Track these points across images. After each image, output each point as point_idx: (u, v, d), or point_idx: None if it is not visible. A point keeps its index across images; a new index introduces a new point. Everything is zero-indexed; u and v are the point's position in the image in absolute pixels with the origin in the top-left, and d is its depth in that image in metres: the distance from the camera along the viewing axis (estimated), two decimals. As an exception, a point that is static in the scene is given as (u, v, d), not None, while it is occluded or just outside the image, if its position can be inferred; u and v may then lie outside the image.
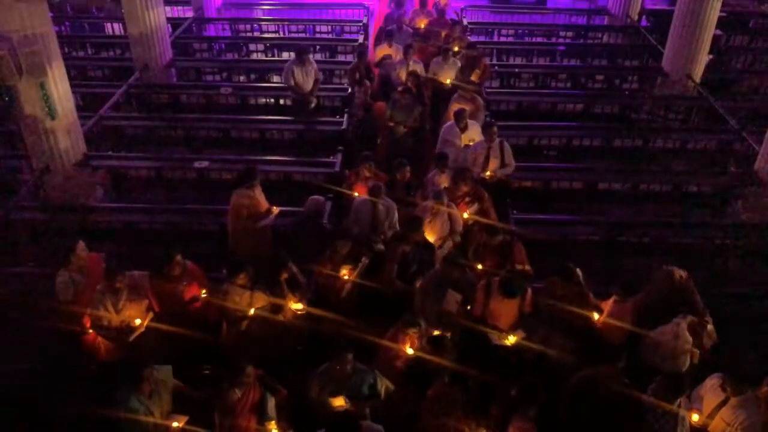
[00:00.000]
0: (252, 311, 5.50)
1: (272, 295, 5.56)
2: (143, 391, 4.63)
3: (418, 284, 5.90)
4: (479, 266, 6.06)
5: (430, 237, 6.38)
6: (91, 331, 5.45)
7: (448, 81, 9.12)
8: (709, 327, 5.37)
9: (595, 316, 5.52)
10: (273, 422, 4.69)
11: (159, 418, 4.68)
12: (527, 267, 6.12)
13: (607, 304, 5.56)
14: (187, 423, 4.77)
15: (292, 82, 9.20)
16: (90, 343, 5.52)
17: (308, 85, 9.23)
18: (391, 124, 8.38)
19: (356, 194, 6.94)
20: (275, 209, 6.67)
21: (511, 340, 5.41)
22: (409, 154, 7.83)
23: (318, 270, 5.87)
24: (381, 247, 6.32)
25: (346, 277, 5.85)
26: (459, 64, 9.24)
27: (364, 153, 7.31)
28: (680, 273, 5.56)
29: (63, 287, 5.57)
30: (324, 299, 5.88)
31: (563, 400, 4.89)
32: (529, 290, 5.57)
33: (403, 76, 9.10)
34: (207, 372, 5.50)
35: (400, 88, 8.64)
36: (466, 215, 6.64)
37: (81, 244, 5.70)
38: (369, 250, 6.15)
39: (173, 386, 4.86)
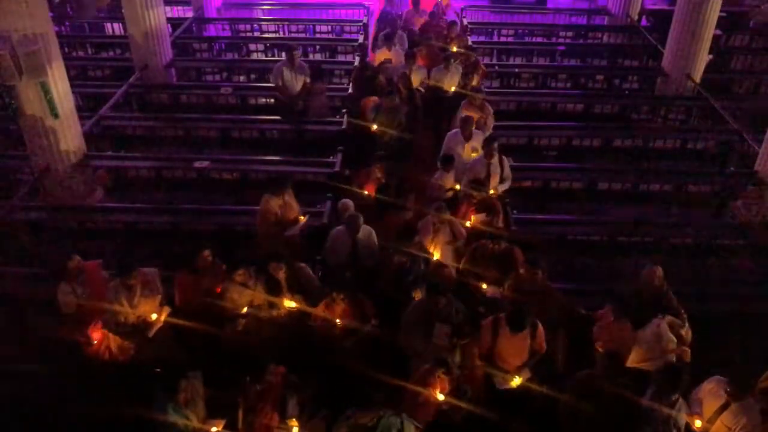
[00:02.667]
0: (245, 309, 5.51)
1: (268, 291, 5.56)
2: (180, 401, 4.65)
3: (415, 295, 5.68)
4: (482, 285, 5.88)
5: (436, 253, 6.23)
6: (96, 341, 5.40)
7: (453, 89, 8.95)
8: (685, 329, 5.33)
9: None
10: (294, 420, 4.71)
11: (197, 424, 4.71)
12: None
13: (605, 323, 5.44)
14: (224, 428, 4.82)
15: (280, 83, 9.15)
16: (94, 353, 5.50)
17: (297, 87, 9.16)
18: (374, 127, 8.16)
19: (366, 193, 6.93)
20: (302, 218, 6.59)
21: (516, 382, 5.08)
22: (397, 158, 7.80)
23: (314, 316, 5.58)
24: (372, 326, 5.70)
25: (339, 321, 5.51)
26: (461, 71, 9.08)
27: (378, 153, 7.26)
28: (660, 272, 5.50)
29: (64, 300, 5.57)
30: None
31: (563, 402, 4.89)
32: (540, 326, 5.18)
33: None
34: (225, 373, 5.50)
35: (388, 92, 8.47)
36: (468, 224, 6.47)
37: (76, 258, 5.66)
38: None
39: (203, 392, 4.89)
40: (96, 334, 5.37)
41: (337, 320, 5.46)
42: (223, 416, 4.85)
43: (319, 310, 5.56)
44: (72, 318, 5.58)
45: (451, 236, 6.33)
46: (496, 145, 7.16)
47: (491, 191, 7.07)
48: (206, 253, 5.66)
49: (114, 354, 5.45)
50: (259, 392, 4.72)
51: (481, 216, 6.60)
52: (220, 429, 4.79)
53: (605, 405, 4.68)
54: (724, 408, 4.63)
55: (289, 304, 5.59)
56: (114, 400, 4.95)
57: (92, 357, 5.47)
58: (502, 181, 7.28)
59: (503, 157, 7.34)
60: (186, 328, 5.48)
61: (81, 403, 5.23)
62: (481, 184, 6.78)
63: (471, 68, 9.30)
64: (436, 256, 6.24)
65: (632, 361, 5.24)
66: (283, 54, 9.90)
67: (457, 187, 7.17)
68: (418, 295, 5.78)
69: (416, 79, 9.14)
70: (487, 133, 8.04)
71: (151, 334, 5.46)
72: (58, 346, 5.67)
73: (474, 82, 9.23)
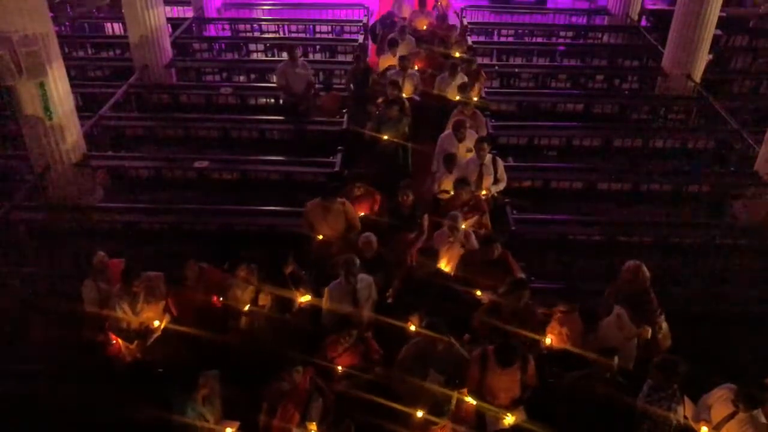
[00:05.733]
0: (247, 307, 5.49)
1: (278, 288, 5.54)
2: (197, 399, 4.63)
3: (411, 321, 5.28)
4: (478, 292, 5.74)
5: (447, 267, 6.06)
6: (116, 340, 5.45)
7: (457, 98, 8.65)
8: (664, 327, 5.33)
9: (547, 341, 5.38)
10: (314, 424, 4.66)
11: (213, 425, 4.69)
12: (521, 274, 5.82)
13: (554, 321, 5.42)
14: (238, 429, 4.80)
15: (284, 83, 9.15)
16: (115, 352, 5.53)
17: (299, 87, 9.14)
18: (385, 137, 7.96)
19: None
20: (320, 237, 6.34)
21: (509, 420, 4.80)
22: (397, 170, 7.74)
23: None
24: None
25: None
26: (466, 79, 8.80)
27: (355, 171, 7.13)
28: (645, 270, 5.40)
29: (89, 297, 5.57)
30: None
31: (560, 401, 4.89)
32: (532, 360, 4.92)
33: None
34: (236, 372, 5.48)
35: (380, 99, 8.36)
36: (463, 226, 6.34)
37: (100, 254, 5.72)
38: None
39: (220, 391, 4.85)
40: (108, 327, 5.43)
41: (338, 367, 5.23)
42: (239, 417, 4.83)
43: (325, 345, 5.37)
44: (90, 318, 5.58)
45: (464, 247, 6.17)
46: (486, 144, 7.05)
47: (483, 192, 7.02)
48: (192, 263, 5.61)
49: (125, 355, 5.48)
50: (285, 391, 4.66)
51: (472, 220, 6.54)
52: (234, 431, 4.76)
53: (601, 405, 4.67)
54: (731, 417, 4.56)
55: (305, 298, 5.60)
56: (126, 401, 4.92)
57: (112, 357, 5.51)
58: (495, 182, 7.19)
59: (498, 159, 7.26)
60: (189, 333, 5.44)
61: (93, 405, 5.19)
62: (466, 183, 6.64)
63: (472, 77, 9.04)
64: (447, 268, 6.08)
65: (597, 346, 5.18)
66: (284, 54, 9.91)
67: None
68: (414, 322, 5.29)
69: (409, 86, 8.91)
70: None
71: (148, 342, 5.44)
72: (65, 346, 5.70)
73: (474, 93, 8.86)
